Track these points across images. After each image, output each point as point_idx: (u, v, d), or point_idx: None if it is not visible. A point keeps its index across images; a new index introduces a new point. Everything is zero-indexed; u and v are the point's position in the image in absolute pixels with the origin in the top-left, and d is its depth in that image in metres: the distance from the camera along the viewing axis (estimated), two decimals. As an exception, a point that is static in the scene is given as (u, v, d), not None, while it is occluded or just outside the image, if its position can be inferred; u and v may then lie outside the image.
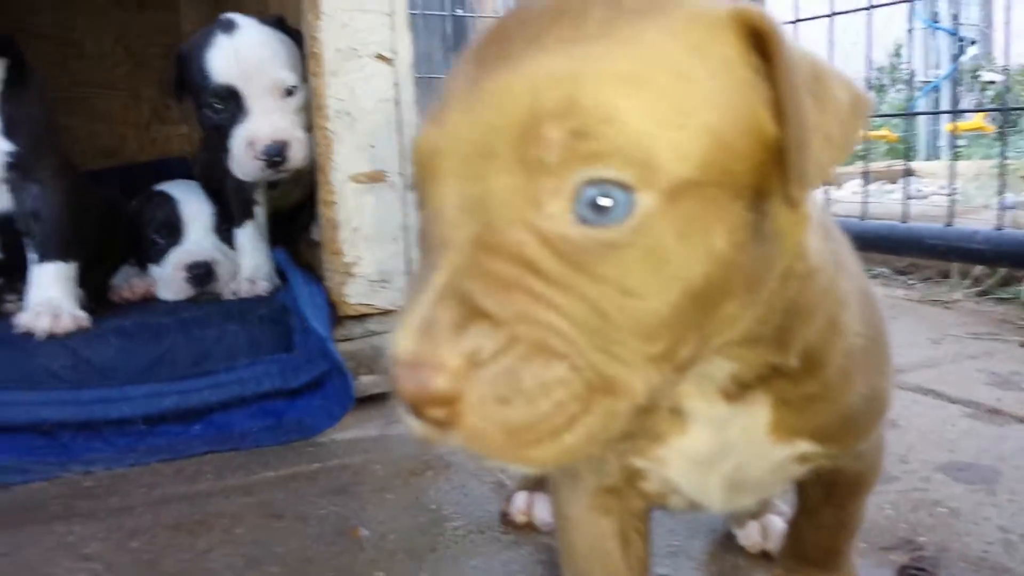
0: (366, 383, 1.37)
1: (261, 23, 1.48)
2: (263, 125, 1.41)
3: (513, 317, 0.39)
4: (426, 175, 0.44)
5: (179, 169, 2.33)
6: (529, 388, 0.39)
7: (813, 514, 0.71)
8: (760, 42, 0.44)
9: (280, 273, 1.55)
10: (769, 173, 0.44)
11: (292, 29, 1.51)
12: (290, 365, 1.29)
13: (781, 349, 0.51)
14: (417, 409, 0.39)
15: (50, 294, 1.30)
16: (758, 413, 0.55)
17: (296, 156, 1.44)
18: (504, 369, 0.38)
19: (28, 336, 1.25)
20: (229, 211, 1.57)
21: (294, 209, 1.68)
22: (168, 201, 1.55)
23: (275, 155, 1.41)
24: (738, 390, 0.53)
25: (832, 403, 0.56)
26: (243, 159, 1.43)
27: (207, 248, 1.52)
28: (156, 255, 1.54)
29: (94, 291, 1.50)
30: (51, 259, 1.32)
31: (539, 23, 0.43)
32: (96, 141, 2.56)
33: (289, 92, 1.45)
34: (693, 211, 0.41)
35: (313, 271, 1.52)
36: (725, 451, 0.56)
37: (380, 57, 1.40)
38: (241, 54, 1.42)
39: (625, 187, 0.40)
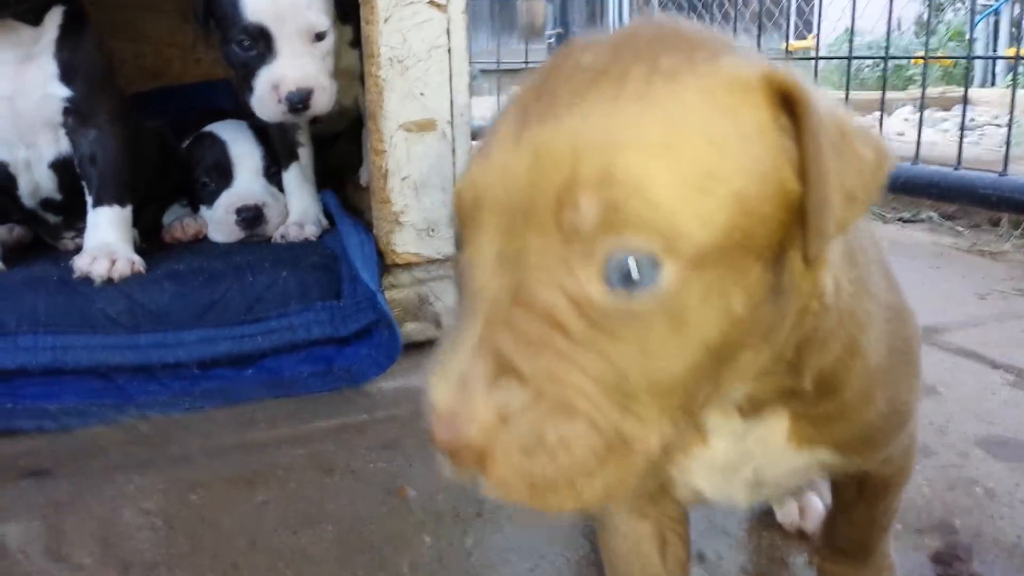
0: (412, 331, 1.40)
1: None
2: (290, 69, 1.39)
3: (540, 375, 0.42)
4: (467, 222, 0.46)
5: (223, 92, 2.37)
6: (551, 443, 0.42)
7: (846, 510, 0.73)
8: (789, 102, 0.45)
9: (329, 215, 1.57)
10: (789, 231, 0.45)
11: None
12: (339, 313, 1.32)
13: (795, 375, 0.53)
14: (451, 455, 0.43)
15: (107, 238, 1.33)
16: (776, 425, 0.57)
17: (320, 103, 1.43)
18: (529, 424, 0.42)
19: (85, 280, 1.29)
20: (275, 151, 1.58)
21: (342, 150, 1.69)
22: (217, 143, 1.56)
23: (299, 102, 1.40)
24: (754, 407, 0.55)
25: (850, 421, 0.57)
26: (266, 101, 1.42)
27: (256, 191, 1.54)
28: (207, 197, 1.56)
29: (146, 230, 1.53)
30: (107, 203, 1.34)
31: (582, 81, 0.45)
32: (141, 63, 2.56)
33: (319, 36, 1.42)
34: (715, 276, 0.43)
35: (361, 215, 1.54)
36: (745, 459, 0.58)
37: (432, 3, 1.39)
38: None
39: (652, 257, 0.42)
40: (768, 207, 0.44)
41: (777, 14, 4.75)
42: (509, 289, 0.43)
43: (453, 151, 1.43)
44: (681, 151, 0.43)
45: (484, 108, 4.06)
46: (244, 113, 1.55)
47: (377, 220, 1.42)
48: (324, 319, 1.32)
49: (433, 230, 1.44)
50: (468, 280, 0.45)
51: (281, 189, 1.58)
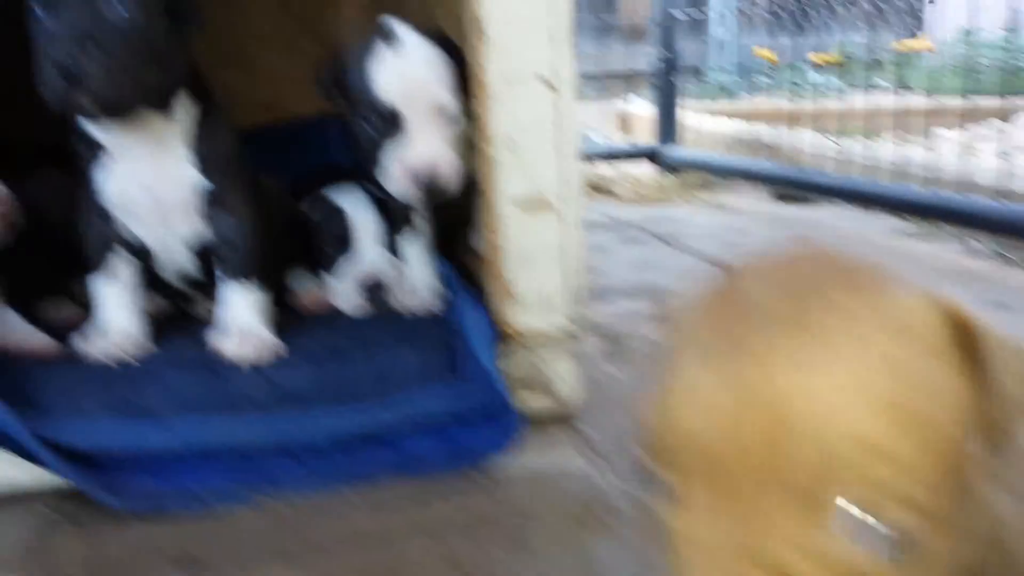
0: (528, 404, 1.44)
1: (425, 38, 1.50)
2: (421, 149, 1.44)
3: None
4: (668, 461, 0.48)
5: (336, 131, 2.43)
6: None
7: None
8: (963, 330, 0.47)
9: (447, 281, 1.62)
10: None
11: (451, 43, 1.52)
12: (459, 391, 1.37)
13: None
14: None
15: (245, 318, 1.41)
16: None
17: (450, 182, 1.47)
18: None
19: (223, 359, 1.37)
20: (391, 215, 1.64)
21: (454, 213, 1.73)
22: (338, 212, 1.63)
23: (429, 182, 1.45)
24: None
25: None
26: (396, 179, 1.47)
27: (379, 262, 1.60)
28: (330, 265, 1.63)
29: (275, 296, 1.60)
30: (246, 285, 1.42)
31: (765, 324, 0.46)
32: (254, 95, 2.65)
33: (448, 114, 1.46)
34: (940, 517, 0.44)
35: (474, 282, 1.58)
36: None
37: (543, 81, 1.41)
38: (406, 75, 1.44)
39: (879, 512, 0.43)
40: (962, 440, 0.46)
41: (888, 11, 4.59)
42: (737, 542, 0.44)
43: (564, 225, 1.46)
44: (885, 394, 0.44)
45: (587, 114, 4.07)
46: (359, 167, 1.61)
47: (490, 293, 1.47)
48: (444, 396, 1.37)
49: (545, 303, 1.47)
50: (686, 529, 0.47)
51: (399, 257, 1.63)
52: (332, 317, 1.62)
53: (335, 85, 1.52)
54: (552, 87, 1.42)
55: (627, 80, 5.02)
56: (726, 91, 5.34)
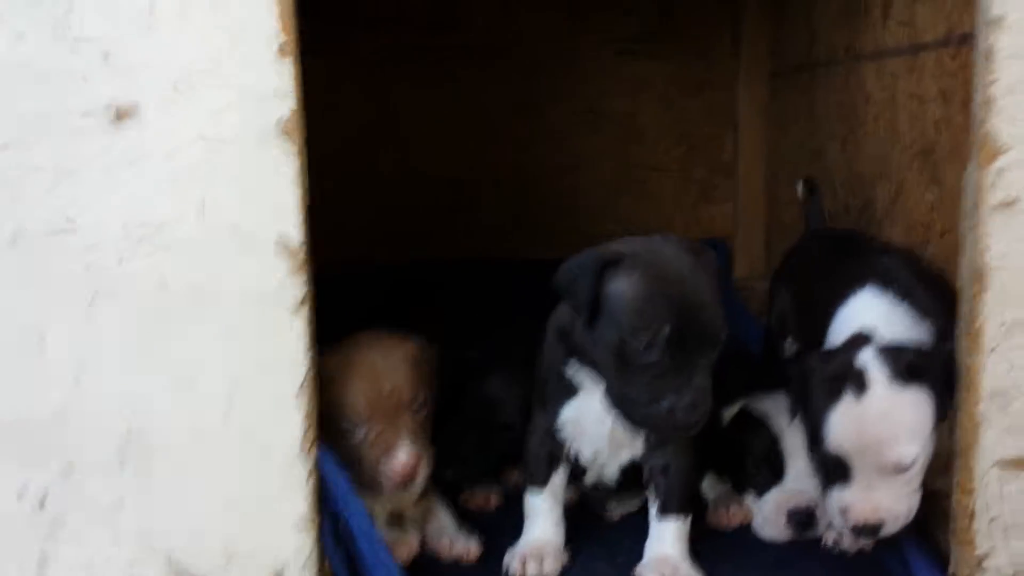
0: None
1: (901, 377, 1.27)
2: (862, 500, 1.28)
3: None
4: None
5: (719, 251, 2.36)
6: None
7: None
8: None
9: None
10: None
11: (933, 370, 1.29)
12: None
13: None
14: None
15: (670, 552, 1.34)
16: None
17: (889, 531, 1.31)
18: None
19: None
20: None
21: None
22: (767, 430, 1.50)
23: (867, 534, 1.31)
24: None
25: None
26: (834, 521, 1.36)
27: (809, 489, 1.44)
28: (756, 486, 1.51)
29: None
30: (674, 515, 1.35)
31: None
32: (644, 220, 2.62)
33: (905, 468, 1.27)
34: None
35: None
36: None
37: (1047, 331, 1.20)
38: (865, 427, 1.27)
39: None
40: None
41: None
42: None
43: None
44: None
45: None
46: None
47: (957, 561, 1.28)
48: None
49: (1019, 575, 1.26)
50: None
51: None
52: (748, 540, 1.49)
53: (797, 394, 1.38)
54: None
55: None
56: None
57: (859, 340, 1.33)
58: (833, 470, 1.30)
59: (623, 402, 1.24)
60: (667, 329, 1.19)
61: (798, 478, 1.47)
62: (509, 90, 2.52)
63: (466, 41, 2.50)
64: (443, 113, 2.50)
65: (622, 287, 1.23)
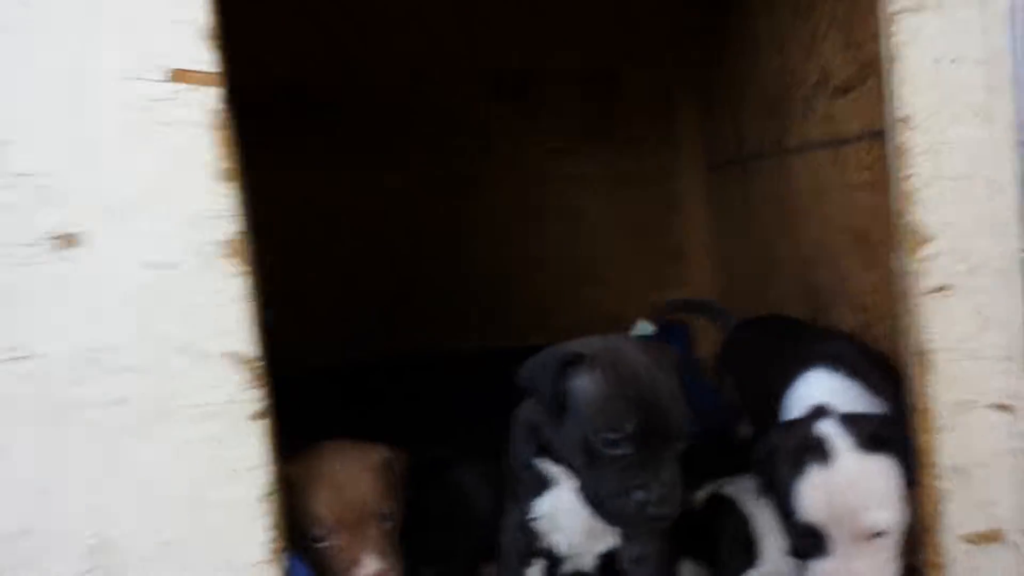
0: None
1: (864, 448, 1.29)
2: (842, 571, 1.27)
3: None
4: None
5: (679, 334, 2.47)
6: None
7: None
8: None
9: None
10: None
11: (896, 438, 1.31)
12: None
13: None
14: None
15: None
16: None
17: None
18: None
19: None
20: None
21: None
22: (739, 513, 1.53)
23: None
24: None
25: None
26: None
27: (785, 571, 1.47)
28: (732, 570, 1.52)
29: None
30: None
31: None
32: (599, 309, 2.69)
33: (878, 534, 1.27)
34: None
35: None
36: None
37: (1000, 407, 1.26)
38: (834, 495, 1.27)
39: None
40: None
41: None
42: None
43: (1020, 557, 1.28)
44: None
45: None
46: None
47: (931, 637, 1.30)
48: None
49: (997, 649, 1.28)
50: None
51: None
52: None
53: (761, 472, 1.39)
54: (1008, 410, 1.26)
55: None
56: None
57: (818, 412, 1.35)
58: (809, 544, 1.29)
59: (595, 497, 1.26)
60: (630, 426, 1.22)
61: (773, 559, 1.49)
62: (459, 184, 2.62)
63: (419, 137, 2.60)
64: (399, 208, 2.59)
65: (584, 385, 1.27)
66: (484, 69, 2.61)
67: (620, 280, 2.73)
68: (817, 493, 1.28)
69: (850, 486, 1.27)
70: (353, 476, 1.39)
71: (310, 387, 1.97)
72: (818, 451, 1.29)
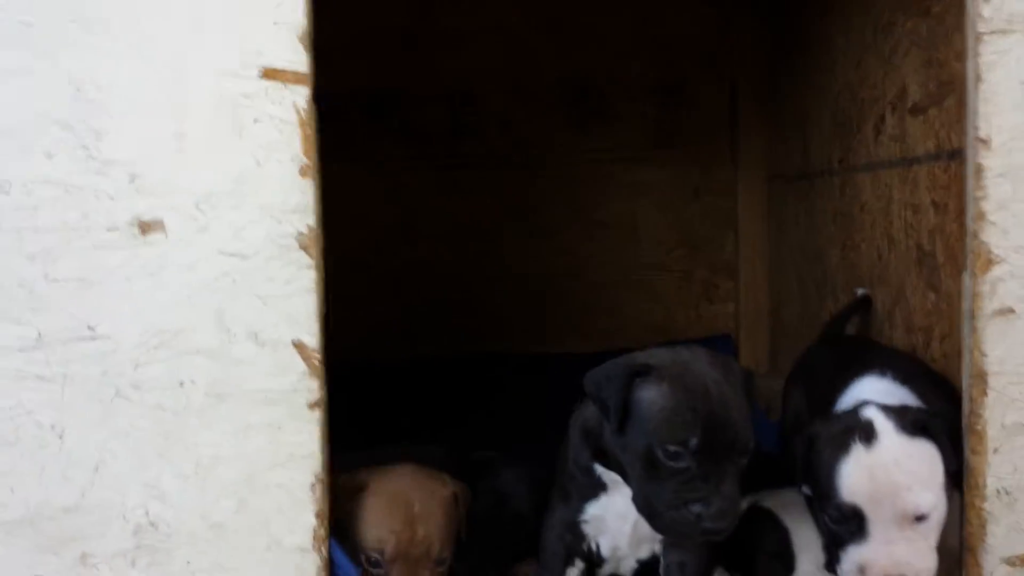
0: None
1: (907, 431, 1.30)
2: (882, 555, 1.27)
3: None
4: None
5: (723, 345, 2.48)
6: None
7: None
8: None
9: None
10: None
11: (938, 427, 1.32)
12: None
13: None
14: None
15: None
16: None
17: None
18: None
19: None
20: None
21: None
22: (779, 527, 1.52)
23: None
24: None
25: None
26: None
27: (822, 591, 1.47)
28: (769, 582, 1.53)
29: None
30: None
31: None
32: (646, 319, 2.70)
33: (921, 517, 1.28)
34: None
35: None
36: None
37: (1049, 433, 1.26)
38: (877, 475, 1.28)
39: None
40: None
41: None
42: None
43: (1067, 588, 1.28)
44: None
45: None
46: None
47: (970, 660, 1.30)
48: None
49: (1032, 671, 1.28)
50: None
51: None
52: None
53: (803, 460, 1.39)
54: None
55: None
56: None
57: (862, 404, 1.36)
58: (848, 527, 1.29)
59: (650, 506, 1.27)
60: (695, 440, 1.23)
61: (810, 573, 1.49)
62: (518, 189, 2.65)
63: (480, 152, 2.63)
64: (457, 216, 2.63)
65: (651, 396, 1.27)
66: (549, 78, 2.64)
67: (670, 292, 2.74)
68: (860, 473, 1.28)
69: (893, 466, 1.28)
70: (426, 512, 1.38)
71: (364, 383, 2.01)
72: (862, 433, 1.30)
